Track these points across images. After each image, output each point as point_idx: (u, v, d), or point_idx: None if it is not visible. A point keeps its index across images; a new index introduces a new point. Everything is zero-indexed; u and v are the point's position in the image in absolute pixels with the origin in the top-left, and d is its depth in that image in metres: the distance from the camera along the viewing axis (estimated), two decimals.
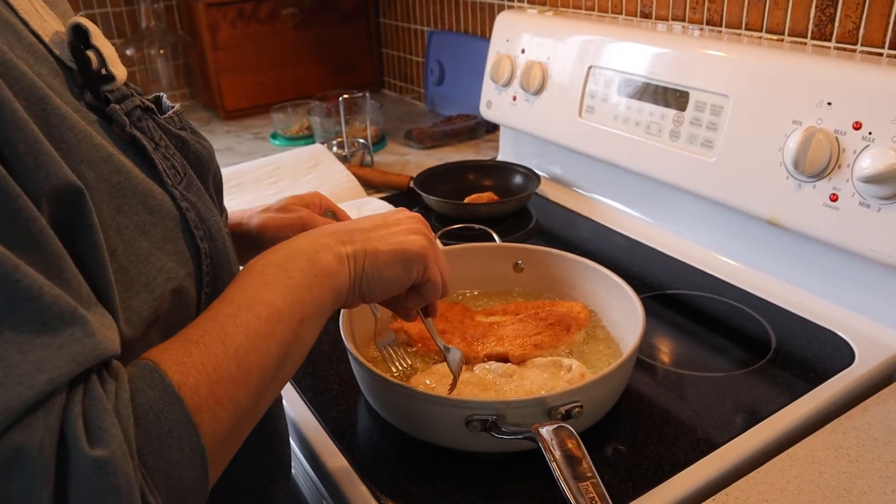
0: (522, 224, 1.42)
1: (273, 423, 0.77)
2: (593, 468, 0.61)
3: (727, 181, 1.12)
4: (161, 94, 0.69)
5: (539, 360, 0.89)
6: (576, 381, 0.81)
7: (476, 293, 1.09)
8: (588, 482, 0.59)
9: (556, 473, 0.61)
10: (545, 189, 1.53)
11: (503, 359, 0.92)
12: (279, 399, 0.79)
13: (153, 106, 0.62)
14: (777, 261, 1.11)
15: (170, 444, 0.43)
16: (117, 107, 0.56)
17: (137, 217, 0.53)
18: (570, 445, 0.66)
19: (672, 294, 1.13)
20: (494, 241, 1.15)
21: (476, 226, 1.22)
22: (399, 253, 0.64)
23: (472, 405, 0.75)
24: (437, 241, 0.71)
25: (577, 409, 0.75)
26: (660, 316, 1.08)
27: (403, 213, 0.72)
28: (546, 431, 0.66)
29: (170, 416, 0.44)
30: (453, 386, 0.80)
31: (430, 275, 0.68)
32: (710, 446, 0.81)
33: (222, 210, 0.73)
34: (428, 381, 0.85)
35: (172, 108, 0.66)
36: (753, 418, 0.85)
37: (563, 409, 0.75)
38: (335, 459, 0.83)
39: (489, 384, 0.85)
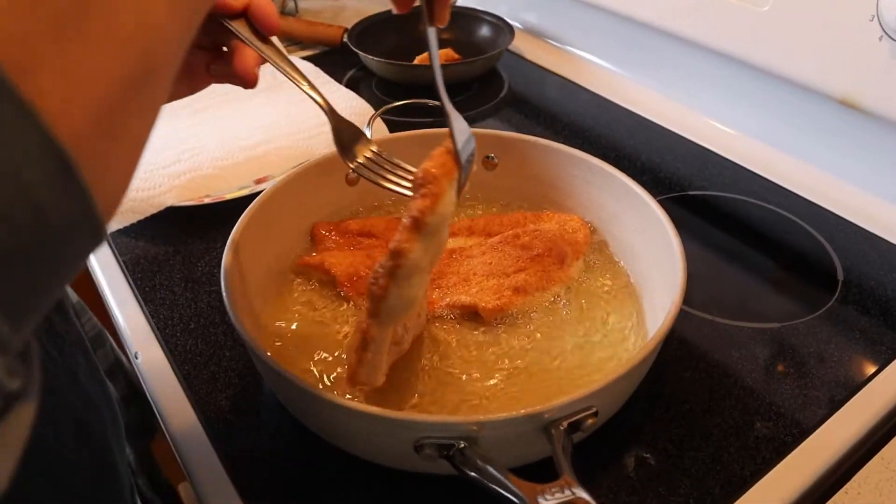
0: (491, 92, 1.09)
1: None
2: None
3: (783, 41, 0.80)
4: None
5: None
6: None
7: None
8: None
9: None
10: (520, 45, 1.20)
11: (470, 312, 0.63)
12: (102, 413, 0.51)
13: None
14: (846, 156, 0.82)
15: None
16: None
17: None
18: None
19: (696, 196, 0.84)
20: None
21: (431, 102, 0.88)
22: None
23: (422, 426, 0.46)
24: None
25: (590, 421, 0.48)
26: (681, 227, 0.79)
27: None
28: None
29: None
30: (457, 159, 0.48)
31: None
32: (778, 448, 0.55)
33: None
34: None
35: None
36: (832, 398, 0.59)
37: (565, 423, 0.47)
38: (212, 477, 0.54)
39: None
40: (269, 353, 0.50)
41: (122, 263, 0.75)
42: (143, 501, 0.72)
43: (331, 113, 0.56)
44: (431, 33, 0.44)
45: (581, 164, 0.71)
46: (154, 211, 0.78)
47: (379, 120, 0.92)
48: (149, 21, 0.25)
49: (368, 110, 0.93)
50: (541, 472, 0.44)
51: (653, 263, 0.64)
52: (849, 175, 0.82)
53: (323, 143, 0.87)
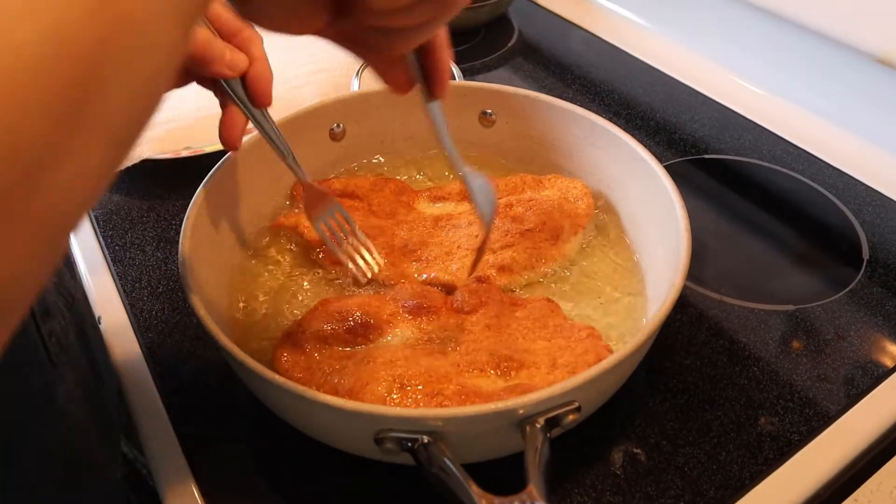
0: (500, 41, 1.02)
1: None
2: None
3: None
4: None
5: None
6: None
7: (420, 160, 0.72)
8: None
9: None
10: None
11: (448, 289, 0.58)
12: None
13: None
14: (882, 121, 0.75)
15: None
16: None
17: None
18: None
19: (713, 160, 0.77)
20: (453, 77, 0.76)
21: None
22: None
23: (381, 419, 0.42)
24: None
25: (570, 416, 0.43)
26: (694, 194, 0.73)
27: None
28: None
29: None
30: (475, 264, 0.52)
31: None
32: (783, 448, 0.50)
33: None
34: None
35: None
36: (848, 392, 0.54)
37: (542, 420, 0.42)
38: (167, 457, 0.51)
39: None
40: (223, 335, 0.45)
41: (93, 219, 0.71)
42: (125, 462, 0.70)
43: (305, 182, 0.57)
44: (435, 108, 0.43)
45: (583, 123, 0.65)
46: (129, 164, 0.73)
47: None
48: None
49: (357, 61, 0.86)
50: (520, 466, 0.40)
51: (657, 237, 0.58)
52: (883, 142, 0.75)
53: (310, 93, 0.81)
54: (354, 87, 0.75)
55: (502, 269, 0.57)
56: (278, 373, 0.50)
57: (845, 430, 0.52)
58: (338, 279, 0.59)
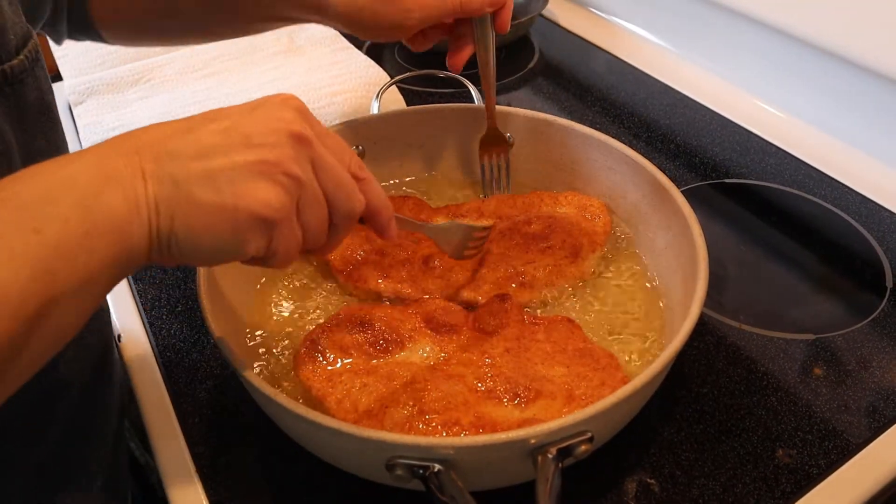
0: (521, 61, 1.02)
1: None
2: None
3: (844, 16, 0.71)
4: None
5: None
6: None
7: (438, 181, 0.73)
8: None
9: None
10: (555, 10, 1.11)
11: (469, 305, 0.58)
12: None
13: None
14: None
15: None
16: None
17: None
18: None
19: (734, 185, 0.76)
20: (472, 100, 0.76)
21: (441, 73, 0.82)
22: (227, 213, 0.38)
23: (392, 447, 0.42)
24: (326, 153, 0.40)
25: (583, 447, 0.43)
26: (714, 218, 0.72)
27: (267, 110, 0.40)
28: None
29: None
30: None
31: (278, 248, 0.40)
32: (800, 481, 0.49)
33: None
34: None
35: None
36: (870, 425, 0.53)
37: (554, 450, 0.42)
38: (181, 476, 0.51)
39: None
40: (236, 357, 0.46)
41: None
42: (136, 465, 0.71)
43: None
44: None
45: (601, 147, 0.65)
46: None
47: (395, 90, 0.86)
48: None
49: (383, 80, 0.87)
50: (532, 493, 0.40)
51: (675, 263, 0.58)
52: None
53: (331, 114, 0.82)
54: (374, 109, 0.75)
55: (523, 285, 0.58)
56: (300, 378, 0.51)
57: (867, 463, 0.51)
58: (360, 301, 0.59)
